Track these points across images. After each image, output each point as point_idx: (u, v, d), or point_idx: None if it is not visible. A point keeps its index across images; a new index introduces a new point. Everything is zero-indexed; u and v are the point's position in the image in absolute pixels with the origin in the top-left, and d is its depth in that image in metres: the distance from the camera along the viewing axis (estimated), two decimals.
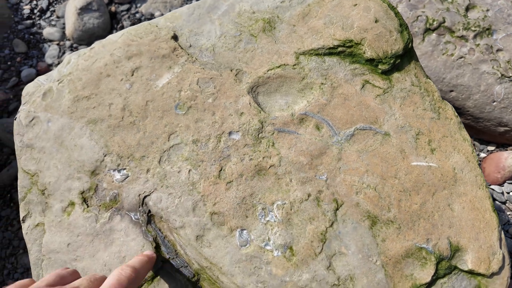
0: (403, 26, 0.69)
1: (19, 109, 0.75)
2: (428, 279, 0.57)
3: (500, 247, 0.60)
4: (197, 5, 0.73)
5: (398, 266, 0.57)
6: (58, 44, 1.39)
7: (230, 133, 0.63)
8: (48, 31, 1.41)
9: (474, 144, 1.33)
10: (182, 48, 0.69)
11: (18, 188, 0.70)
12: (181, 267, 0.59)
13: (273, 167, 0.61)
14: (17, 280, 1.07)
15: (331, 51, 0.67)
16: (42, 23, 1.45)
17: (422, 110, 0.66)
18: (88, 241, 0.61)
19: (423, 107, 0.66)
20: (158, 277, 0.60)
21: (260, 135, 0.62)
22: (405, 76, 0.68)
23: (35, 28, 1.43)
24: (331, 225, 0.58)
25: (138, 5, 1.47)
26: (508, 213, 1.20)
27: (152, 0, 1.47)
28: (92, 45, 0.75)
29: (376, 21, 0.68)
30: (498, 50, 1.11)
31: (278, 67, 0.66)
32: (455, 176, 0.63)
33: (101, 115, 0.67)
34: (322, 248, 0.57)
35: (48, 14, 1.47)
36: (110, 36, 0.74)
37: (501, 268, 0.59)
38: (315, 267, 0.56)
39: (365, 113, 0.64)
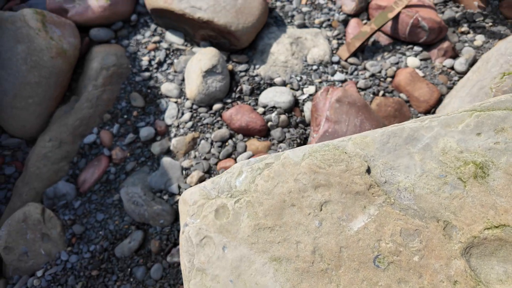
0: None
1: (186, 222, 0.70)
2: None
3: None
4: (392, 133, 0.66)
5: None
6: (176, 102, 1.36)
7: None
8: (167, 88, 1.39)
9: None
10: (378, 185, 0.63)
11: None
12: None
13: None
14: None
15: None
16: (159, 76, 1.43)
17: None
18: None
19: None
20: None
21: None
22: None
23: (152, 81, 1.42)
24: None
25: (257, 66, 1.43)
26: None
27: (271, 63, 1.42)
28: (267, 159, 0.70)
29: None
30: None
31: (497, 227, 0.58)
32: None
33: (287, 253, 0.61)
34: None
35: (165, 66, 1.45)
36: (289, 154, 0.69)
37: None
38: None
39: None
